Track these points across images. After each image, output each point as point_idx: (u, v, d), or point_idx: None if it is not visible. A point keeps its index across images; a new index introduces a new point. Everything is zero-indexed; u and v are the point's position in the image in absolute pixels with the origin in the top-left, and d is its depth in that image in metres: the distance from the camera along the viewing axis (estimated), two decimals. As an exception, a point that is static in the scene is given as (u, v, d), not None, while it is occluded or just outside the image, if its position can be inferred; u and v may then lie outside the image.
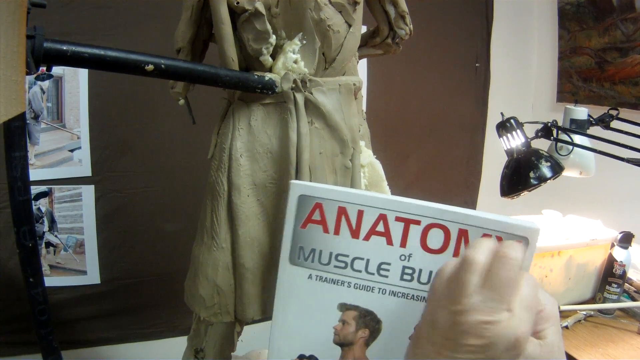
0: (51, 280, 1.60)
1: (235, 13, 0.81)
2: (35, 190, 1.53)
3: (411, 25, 0.98)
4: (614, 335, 1.25)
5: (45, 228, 1.60)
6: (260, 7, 0.79)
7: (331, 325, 0.46)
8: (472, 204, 2.21)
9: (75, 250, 1.64)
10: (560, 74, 1.99)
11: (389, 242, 0.43)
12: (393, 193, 0.95)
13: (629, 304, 1.37)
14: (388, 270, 0.44)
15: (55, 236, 1.62)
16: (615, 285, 1.36)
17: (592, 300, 1.42)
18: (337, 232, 0.43)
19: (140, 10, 1.55)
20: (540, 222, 1.58)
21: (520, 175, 1.15)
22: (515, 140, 1.17)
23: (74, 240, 1.64)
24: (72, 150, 1.58)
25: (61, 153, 1.58)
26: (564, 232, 1.50)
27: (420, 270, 0.43)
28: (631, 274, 1.46)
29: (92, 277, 1.67)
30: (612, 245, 1.40)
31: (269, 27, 0.81)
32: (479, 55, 2.09)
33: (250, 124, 0.87)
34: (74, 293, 1.65)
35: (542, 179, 1.13)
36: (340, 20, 0.83)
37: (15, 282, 1.46)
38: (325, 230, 0.43)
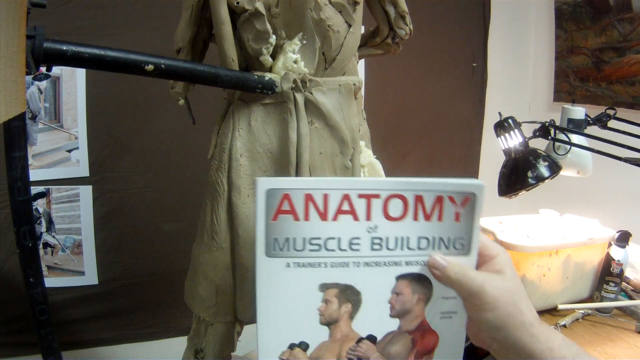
0: (49, 281, 1.59)
1: (235, 13, 0.81)
2: (32, 190, 1.52)
3: (411, 25, 0.99)
4: (611, 334, 1.26)
5: (43, 229, 1.60)
6: (260, 7, 0.79)
7: (315, 307, 0.48)
8: (469, 204, 2.21)
9: (73, 251, 1.64)
10: (557, 73, 2.00)
11: (356, 218, 0.46)
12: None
13: (626, 302, 1.38)
14: (359, 244, 0.47)
15: (53, 237, 1.62)
16: (613, 284, 1.36)
17: (589, 299, 1.42)
18: (307, 218, 0.46)
19: (140, 10, 1.55)
20: (538, 222, 1.59)
21: (517, 175, 1.16)
22: (513, 140, 1.18)
23: (71, 241, 1.63)
24: (69, 151, 1.58)
25: (59, 153, 1.57)
26: (561, 232, 1.50)
27: (387, 238, 0.47)
28: (628, 273, 1.47)
29: (90, 277, 1.66)
30: (610, 244, 1.41)
31: (269, 27, 0.81)
32: (476, 54, 2.10)
33: (250, 124, 0.87)
34: (72, 294, 1.65)
35: (539, 179, 1.13)
36: (340, 20, 0.84)
37: (14, 283, 1.46)
38: (296, 218, 0.46)
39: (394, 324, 0.49)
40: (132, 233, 1.68)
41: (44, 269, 1.60)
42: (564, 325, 1.27)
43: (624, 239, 1.37)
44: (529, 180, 1.13)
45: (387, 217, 0.47)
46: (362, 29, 0.96)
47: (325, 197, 0.46)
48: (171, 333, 1.75)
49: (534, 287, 1.32)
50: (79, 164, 1.59)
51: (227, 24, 0.81)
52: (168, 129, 1.63)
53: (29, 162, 1.50)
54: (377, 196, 0.46)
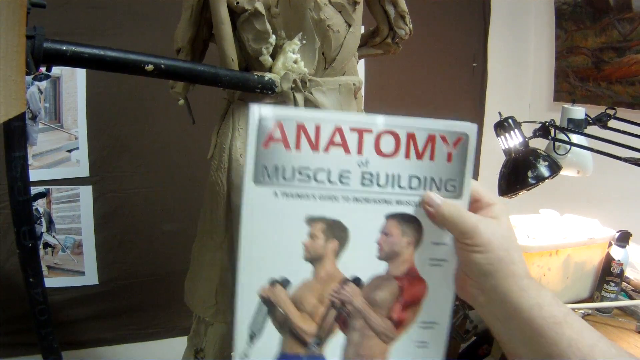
0: (49, 281, 1.59)
1: (235, 13, 0.81)
2: (33, 190, 1.53)
3: (411, 25, 0.99)
4: (612, 334, 1.26)
5: (43, 229, 1.60)
6: (260, 7, 0.79)
7: (300, 241, 0.47)
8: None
9: (73, 251, 1.64)
10: (557, 73, 2.00)
11: (347, 151, 0.46)
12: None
13: (626, 302, 1.38)
14: (349, 177, 0.46)
15: (53, 237, 1.62)
16: (613, 284, 1.36)
17: (590, 299, 1.42)
18: (297, 147, 0.45)
19: (140, 10, 1.55)
20: (538, 222, 1.59)
21: (518, 175, 1.16)
22: (513, 140, 1.18)
23: (71, 241, 1.63)
24: (69, 151, 1.58)
25: (59, 153, 1.57)
26: (561, 231, 1.50)
27: (378, 174, 0.47)
28: (629, 273, 1.47)
29: (90, 277, 1.66)
30: (610, 244, 1.41)
31: (268, 27, 0.81)
32: (476, 55, 2.09)
33: (250, 123, 0.86)
34: (72, 294, 1.65)
35: (539, 179, 1.13)
36: (340, 20, 0.84)
37: (14, 283, 1.46)
38: (287, 147, 0.45)
39: (381, 267, 0.48)
40: (132, 233, 1.68)
41: (44, 269, 1.60)
42: (564, 325, 1.27)
43: (624, 238, 1.37)
44: (529, 180, 1.13)
45: (379, 152, 0.46)
46: (362, 29, 0.96)
47: (318, 128, 0.45)
48: (171, 333, 1.75)
49: (534, 287, 1.32)
50: (79, 164, 1.59)
51: (227, 24, 0.81)
52: (168, 129, 1.63)
53: (29, 162, 1.50)
54: (369, 131, 0.46)
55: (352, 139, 0.46)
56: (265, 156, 0.45)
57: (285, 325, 0.47)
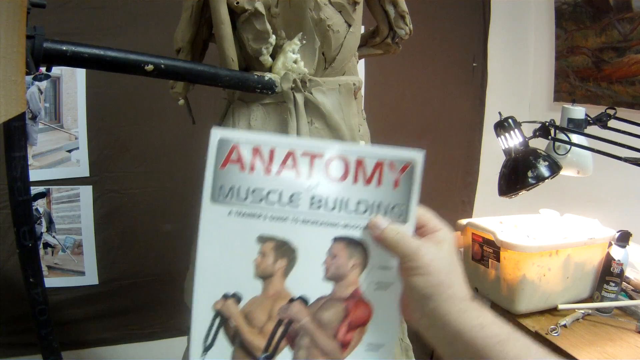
0: (49, 281, 1.59)
1: (235, 13, 0.81)
2: (33, 190, 1.53)
3: (411, 25, 0.99)
4: (612, 334, 1.26)
5: (43, 229, 1.60)
6: (260, 7, 0.79)
7: (252, 259, 0.49)
8: (469, 204, 2.22)
9: (73, 251, 1.64)
10: (557, 73, 2.00)
11: (298, 174, 0.49)
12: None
13: (626, 302, 1.38)
14: (299, 200, 0.49)
15: (53, 237, 1.62)
16: (613, 284, 1.36)
17: (590, 299, 1.43)
18: (252, 169, 0.48)
19: (140, 10, 1.55)
20: (538, 222, 1.59)
21: (518, 175, 1.16)
22: (513, 140, 1.18)
23: (72, 241, 1.63)
24: (69, 151, 1.58)
25: (59, 153, 1.57)
26: (561, 231, 1.50)
27: (327, 198, 0.49)
28: (629, 273, 1.47)
29: (91, 278, 1.66)
30: (610, 244, 1.41)
31: (268, 27, 0.81)
32: (476, 55, 2.09)
33: (250, 124, 0.87)
34: (73, 294, 1.65)
35: (539, 178, 1.13)
36: (340, 20, 0.84)
37: (14, 283, 1.46)
38: (242, 168, 0.48)
39: (327, 288, 0.50)
40: (132, 233, 1.68)
41: (44, 269, 1.60)
42: (565, 325, 1.27)
43: (624, 238, 1.37)
44: (529, 180, 1.13)
45: (329, 177, 0.49)
46: (362, 29, 0.96)
47: (272, 151, 0.48)
48: (171, 333, 1.75)
49: (534, 287, 1.32)
50: (79, 164, 1.59)
51: (227, 24, 0.81)
52: (168, 129, 1.63)
53: (29, 162, 1.50)
54: (320, 156, 0.49)
55: (303, 163, 0.49)
56: (222, 176, 0.48)
57: (236, 338, 0.49)
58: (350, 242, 0.49)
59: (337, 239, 0.49)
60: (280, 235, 0.49)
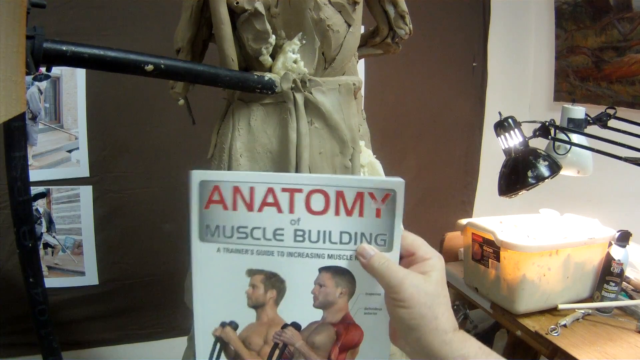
0: (49, 282, 1.59)
1: (235, 13, 0.81)
2: (33, 191, 1.53)
3: (411, 25, 0.99)
4: (612, 334, 1.26)
5: (43, 229, 1.60)
6: (259, 7, 0.79)
7: (243, 290, 0.51)
8: (469, 204, 2.22)
9: (73, 251, 1.64)
10: (557, 73, 2.00)
11: (279, 210, 0.50)
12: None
13: (627, 302, 1.38)
14: (282, 234, 0.51)
15: (53, 237, 1.62)
16: (613, 284, 1.36)
17: (590, 299, 1.42)
18: (234, 208, 0.50)
19: (140, 10, 1.55)
20: (538, 221, 1.59)
21: (518, 175, 1.16)
22: (513, 140, 1.18)
23: (72, 241, 1.64)
24: (69, 151, 1.58)
25: (59, 154, 1.57)
26: (561, 231, 1.50)
27: (310, 231, 0.50)
28: (629, 273, 1.46)
29: (91, 278, 1.66)
30: (610, 244, 1.40)
31: (268, 27, 0.81)
32: (476, 54, 2.09)
33: (250, 124, 0.87)
34: (73, 294, 1.65)
35: (539, 178, 1.13)
36: (339, 20, 0.84)
37: (14, 283, 1.46)
38: (225, 208, 0.50)
39: (317, 315, 0.52)
40: (132, 233, 1.68)
41: (44, 269, 1.60)
42: (565, 325, 1.27)
43: (624, 238, 1.37)
44: (529, 179, 1.13)
45: (310, 210, 0.50)
46: (362, 29, 0.96)
47: (252, 189, 0.50)
48: (171, 333, 1.75)
49: (534, 287, 1.32)
50: (79, 164, 1.59)
51: (226, 24, 0.81)
52: (168, 128, 1.63)
53: (29, 162, 1.50)
54: (299, 190, 0.50)
55: (283, 199, 0.50)
56: (207, 216, 0.50)
57: None
58: (336, 271, 0.51)
59: (323, 269, 0.51)
60: (268, 268, 0.51)
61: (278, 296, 0.51)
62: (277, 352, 0.52)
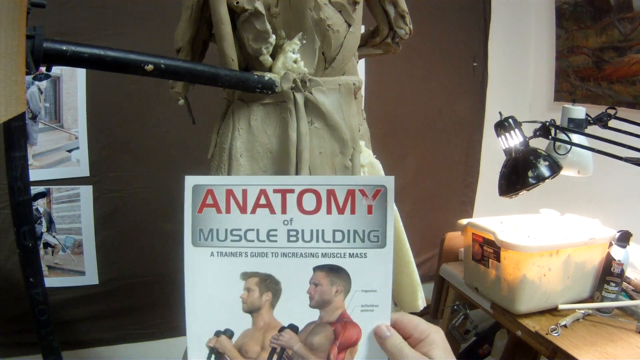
0: (49, 281, 1.59)
1: (235, 13, 0.81)
2: (33, 190, 1.53)
3: (411, 25, 0.99)
4: (612, 334, 1.25)
5: (44, 229, 1.60)
6: (260, 6, 0.79)
7: (238, 295, 0.51)
8: (470, 203, 2.22)
9: (73, 251, 1.64)
10: (558, 73, 2.00)
11: (272, 211, 0.51)
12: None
13: (627, 302, 1.38)
14: (276, 235, 0.51)
15: (54, 237, 1.62)
16: (614, 284, 1.36)
17: (590, 299, 1.42)
18: (228, 211, 0.51)
19: (140, 10, 1.55)
20: (539, 222, 1.59)
21: (518, 175, 1.16)
22: (514, 140, 1.18)
23: (72, 241, 1.64)
24: (70, 151, 1.58)
25: (59, 153, 1.57)
26: (562, 231, 1.50)
27: (303, 231, 0.51)
28: (629, 273, 1.46)
29: (91, 277, 1.66)
30: (610, 244, 1.40)
31: (268, 26, 0.81)
32: (476, 54, 2.10)
33: (250, 123, 0.87)
34: (73, 294, 1.65)
35: (540, 178, 1.13)
36: (340, 20, 0.84)
37: (14, 283, 1.46)
38: (219, 211, 0.51)
39: (314, 315, 0.52)
40: (132, 233, 1.68)
41: (45, 269, 1.60)
42: (565, 326, 1.27)
43: (624, 238, 1.37)
44: (530, 180, 1.13)
45: (302, 210, 0.51)
46: (362, 29, 0.96)
47: (244, 192, 0.51)
48: (171, 333, 1.75)
49: (534, 287, 1.32)
50: (79, 164, 1.59)
51: (227, 24, 0.81)
52: (169, 128, 1.63)
53: (29, 162, 1.50)
54: (291, 191, 0.51)
55: (276, 200, 0.51)
56: (200, 220, 0.51)
57: None
58: (330, 269, 0.51)
59: (317, 268, 0.51)
60: (263, 270, 0.51)
61: (274, 298, 0.51)
62: (275, 357, 0.51)
